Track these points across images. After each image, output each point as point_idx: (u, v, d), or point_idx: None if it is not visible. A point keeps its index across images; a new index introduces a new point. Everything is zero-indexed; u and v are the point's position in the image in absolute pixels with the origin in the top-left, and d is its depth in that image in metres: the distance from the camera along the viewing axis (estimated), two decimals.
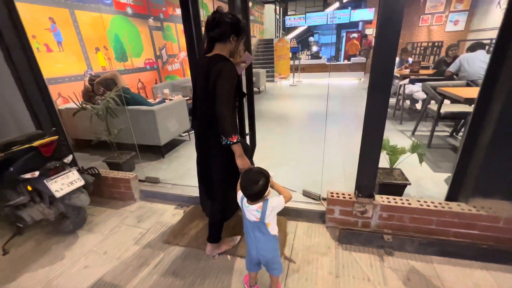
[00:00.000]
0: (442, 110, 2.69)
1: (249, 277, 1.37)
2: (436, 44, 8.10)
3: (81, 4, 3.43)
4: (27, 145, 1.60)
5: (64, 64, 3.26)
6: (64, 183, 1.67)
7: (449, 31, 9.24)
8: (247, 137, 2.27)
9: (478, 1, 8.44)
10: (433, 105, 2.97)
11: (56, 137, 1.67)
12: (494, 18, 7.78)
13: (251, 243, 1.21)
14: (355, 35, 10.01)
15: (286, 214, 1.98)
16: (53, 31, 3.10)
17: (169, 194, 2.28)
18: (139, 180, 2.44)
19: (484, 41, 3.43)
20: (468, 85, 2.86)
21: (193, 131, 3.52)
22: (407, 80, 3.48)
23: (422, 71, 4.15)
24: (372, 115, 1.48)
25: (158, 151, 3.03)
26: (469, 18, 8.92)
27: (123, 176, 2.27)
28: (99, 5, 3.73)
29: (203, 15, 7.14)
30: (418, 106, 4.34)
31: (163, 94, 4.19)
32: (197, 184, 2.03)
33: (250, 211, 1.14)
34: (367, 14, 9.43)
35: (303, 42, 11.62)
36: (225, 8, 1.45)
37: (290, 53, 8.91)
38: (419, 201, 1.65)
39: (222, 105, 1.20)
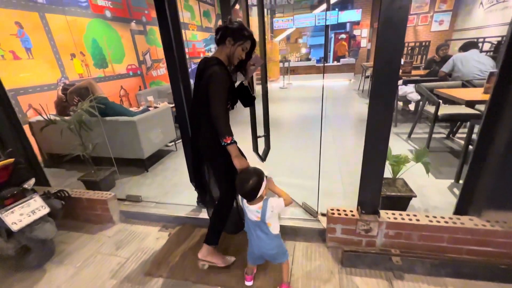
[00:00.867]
0: (439, 112, 2.58)
1: (248, 267, 1.43)
2: (424, 44, 8.17)
3: (53, 7, 3.16)
4: None
5: (35, 73, 2.97)
6: (24, 213, 1.42)
7: (435, 30, 9.38)
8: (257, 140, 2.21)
9: (461, 1, 8.60)
10: (429, 107, 2.87)
11: (11, 160, 1.43)
12: (477, 17, 7.92)
13: (254, 241, 1.27)
14: (343, 36, 10.01)
15: (283, 233, 1.79)
16: (21, 37, 2.82)
17: (153, 214, 2.06)
18: (119, 199, 2.20)
19: (472, 40, 3.38)
20: (463, 85, 2.78)
21: (180, 141, 3.31)
22: (400, 81, 3.39)
23: (413, 72, 4.08)
24: (375, 124, 1.33)
25: (142, 165, 2.79)
26: (453, 18, 9.08)
27: (99, 196, 2.03)
28: (74, 8, 3.46)
29: (189, 18, 6.84)
30: (411, 107, 4.27)
31: (147, 101, 3.95)
32: (183, 202, 1.82)
33: (251, 211, 1.21)
34: (354, 15, 9.44)
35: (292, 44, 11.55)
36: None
37: (280, 55, 8.81)
38: (427, 216, 1.50)
39: (214, 107, 1.27)
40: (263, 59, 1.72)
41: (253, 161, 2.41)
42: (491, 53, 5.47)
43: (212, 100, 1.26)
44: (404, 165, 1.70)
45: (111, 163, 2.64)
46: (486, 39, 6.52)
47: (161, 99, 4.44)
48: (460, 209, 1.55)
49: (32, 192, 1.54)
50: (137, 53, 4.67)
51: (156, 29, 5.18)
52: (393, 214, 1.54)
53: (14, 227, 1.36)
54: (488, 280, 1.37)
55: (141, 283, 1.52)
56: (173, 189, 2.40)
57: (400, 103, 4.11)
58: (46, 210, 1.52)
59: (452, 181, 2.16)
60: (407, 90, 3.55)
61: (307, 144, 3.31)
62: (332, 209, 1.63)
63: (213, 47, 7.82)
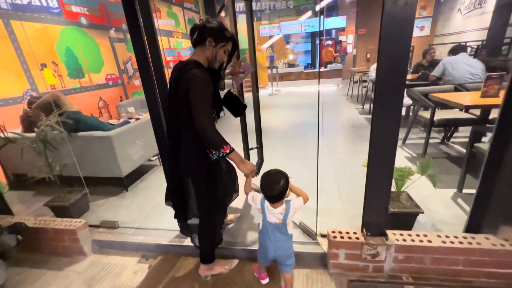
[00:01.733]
0: (434, 118, 2.49)
1: (259, 267, 1.43)
2: None
3: (19, 13, 2.89)
4: None
5: None
6: None
7: (416, 36, 9.63)
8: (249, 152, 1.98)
9: (440, 8, 8.91)
10: (423, 112, 2.79)
11: None
12: (456, 23, 8.19)
13: (270, 243, 1.25)
14: (329, 42, 10.10)
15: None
16: None
17: (131, 243, 1.81)
18: (92, 226, 1.94)
19: (461, 43, 3.38)
20: (456, 89, 2.73)
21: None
22: None
23: None
24: (381, 137, 1.17)
25: (120, 183, 2.53)
26: (433, 24, 9.38)
27: (67, 225, 1.76)
28: (45, 15, 3.20)
29: (173, 26, 6.64)
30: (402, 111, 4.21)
31: (128, 113, 3.69)
32: (166, 226, 1.59)
33: (274, 214, 1.19)
34: (339, 22, 9.57)
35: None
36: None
37: (268, 62, 8.75)
38: (439, 236, 1.34)
39: (200, 117, 1.10)
40: (253, 67, 1.58)
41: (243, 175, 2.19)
42: (472, 57, 5.58)
43: (196, 109, 1.10)
44: (408, 178, 1.55)
45: (87, 183, 2.38)
46: (467, 44, 6.70)
47: (143, 110, 4.18)
48: (473, 225, 1.41)
49: None
50: (117, 61, 4.42)
51: None
52: (402, 235, 1.38)
53: None
54: None
55: None
56: (155, 211, 2.15)
57: None
58: None
59: (455, 190, 2.04)
60: None
61: (300, 154, 3.15)
62: (334, 232, 1.45)
63: None
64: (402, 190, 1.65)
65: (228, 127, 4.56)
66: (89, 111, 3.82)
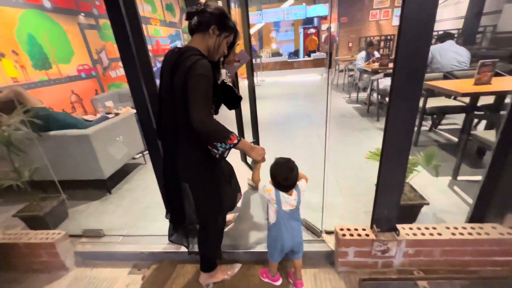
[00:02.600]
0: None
1: (272, 267, 1.37)
2: (389, 37, 8.46)
3: None
4: None
5: None
6: None
7: (396, 25, 9.79)
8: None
9: None
10: None
11: None
12: None
13: (287, 234, 1.21)
14: (313, 30, 10.00)
15: (284, 258, 1.51)
16: None
17: (119, 252, 1.64)
18: (73, 236, 1.74)
19: (448, 31, 3.41)
20: (445, 77, 2.75)
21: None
22: (381, 75, 3.31)
23: (390, 65, 4.06)
24: (396, 130, 1.10)
25: (103, 185, 2.30)
26: None
27: (43, 238, 1.55)
28: None
29: (150, 12, 6.16)
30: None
31: (106, 107, 3.38)
32: (159, 231, 1.43)
33: (289, 202, 1.16)
34: (321, 9, 9.46)
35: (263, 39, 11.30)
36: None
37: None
38: (448, 228, 1.33)
39: (198, 109, 0.96)
40: (249, 55, 1.45)
41: (242, 172, 2.07)
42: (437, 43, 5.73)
43: (194, 99, 0.95)
44: (414, 170, 1.51)
45: (63, 187, 2.14)
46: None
47: (122, 104, 3.87)
48: (476, 215, 1.41)
49: None
50: (89, 51, 4.01)
51: None
52: (411, 229, 1.34)
53: None
54: None
55: None
56: (145, 214, 1.98)
57: (374, 96, 4.06)
58: None
59: (450, 178, 2.06)
60: (387, 84, 3.48)
61: (293, 146, 3.08)
62: (342, 229, 1.39)
63: (179, 43, 7.23)
64: (406, 181, 1.61)
65: (222, 119, 4.38)
66: (60, 107, 3.46)
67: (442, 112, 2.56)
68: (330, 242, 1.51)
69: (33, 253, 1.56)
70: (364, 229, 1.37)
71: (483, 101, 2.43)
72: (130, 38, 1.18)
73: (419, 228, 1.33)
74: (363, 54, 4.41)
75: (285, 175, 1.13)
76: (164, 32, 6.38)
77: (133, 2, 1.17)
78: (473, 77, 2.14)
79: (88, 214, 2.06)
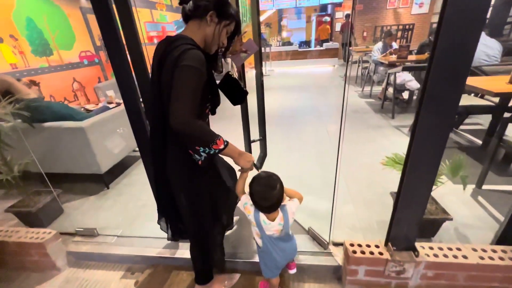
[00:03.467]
0: None
1: (272, 283, 1.22)
2: (407, 27, 7.96)
3: None
4: None
5: None
6: None
7: (415, 13, 9.22)
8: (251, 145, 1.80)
9: None
10: None
11: None
12: None
13: (278, 256, 1.07)
14: (327, 18, 9.51)
15: (286, 270, 1.39)
16: None
17: (113, 254, 1.55)
18: (66, 234, 1.67)
19: None
20: (472, 73, 2.49)
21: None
22: (399, 68, 3.05)
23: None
24: (426, 138, 0.92)
25: (100, 180, 2.22)
26: (432, 1, 8.96)
27: (33, 237, 1.47)
28: None
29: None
30: (405, 95, 4.00)
31: (107, 97, 3.27)
32: (155, 233, 1.34)
33: (272, 227, 1.00)
34: None
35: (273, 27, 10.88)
36: None
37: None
38: (475, 250, 1.16)
39: (181, 108, 0.80)
40: (257, 45, 1.30)
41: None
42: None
43: (177, 94, 0.81)
44: (439, 181, 1.34)
45: (61, 180, 2.07)
46: None
47: None
48: (509, 234, 1.23)
49: None
50: (92, 36, 3.88)
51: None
52: (431, 248, 1.18)
53: None
54: None
55: None
56: (142, 213, 1.89)
57: (390, 90, 3.80)
58: None
59: (473, 186, 1.87)
60: (406, 78, 3.23)
61: (302, 143, 2.91)
62: (352, 245, 1.24)
63: None
64: None
65: (222, 112, 4.21)
66: (62, 95, 3.38)
67: (466, 112, 2.33)
68: (337, 256, 1.38)
69: (24, 252, 1.49)
70: (377, 246, 1.22)
71: None
72: (116, 22, 1.02)
73: (441, 249, 1.18)
74: (379, 45, 4.12)
75: (263, 195, 0.95)
76: (170, 18, 6.16)
77: None
78: (506, 73, 1.90)
79: (84, 210, 1.98)
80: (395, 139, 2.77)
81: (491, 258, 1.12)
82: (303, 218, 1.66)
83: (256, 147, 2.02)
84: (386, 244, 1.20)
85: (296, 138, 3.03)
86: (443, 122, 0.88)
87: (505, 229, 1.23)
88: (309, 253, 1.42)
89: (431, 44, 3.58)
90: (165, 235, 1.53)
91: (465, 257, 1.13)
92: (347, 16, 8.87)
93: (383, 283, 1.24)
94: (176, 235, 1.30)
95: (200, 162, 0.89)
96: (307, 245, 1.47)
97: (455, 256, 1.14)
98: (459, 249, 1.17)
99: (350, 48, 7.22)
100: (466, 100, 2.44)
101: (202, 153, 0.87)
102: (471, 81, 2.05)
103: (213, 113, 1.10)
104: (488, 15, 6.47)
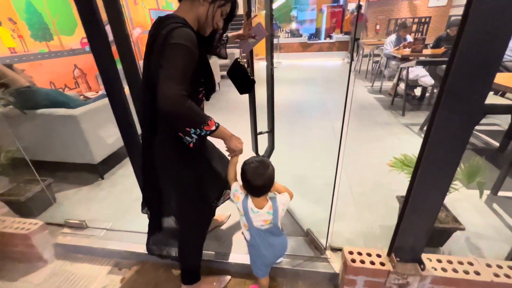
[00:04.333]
0: None
1: (261, 283, 1.16)
2: (423, 20, 7.58)
3: None
4: None
5: None
6: None
7: (432, 6, 8.78)
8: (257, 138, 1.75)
9: None
10: None
11: None
12: None
13: (267, 252, 1.03)
14: (354, 9, 9.04)
15: (280, 275, 1.31)
16: None
17: (100, 248, 1.50)
18: (56, 225, 1.62)
19: None
20: None
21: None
22: (413, 63, 2.86)
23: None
24: (443, 141, 0.80)
25: (95, 170, 2.16)
26: None
27: (18, 228, 1.42)
28: None
29: None
30: (417, 92, 3.79)
31: None
32: (145, 229, 1.28)
33: (261, 215, 0.96)
34: None
35: (282, 17, 10.57)
36: None
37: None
38: (489, 265, 1.04)
39: (171, 86, 0.74)
40: (267, 31, 1.23)
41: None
42: None
43: (168, 74, 0.75)
44: (453, 188, 1.21)
45: (56, 168, 2.03)
46: None
47: (124, 81, 3.67)
48: None
49: None
50: None
51: None
52: (440, 261, 1.07)
53: None
54: None
55: None
56: (134, 206, 1.82)
57: (401, 86, 3.60)
58: None
59: (488, 192, 1.73)
60: (419, 73, 3.04)
61: (306, 139, 2.79)
62: (351, 253, 1.14)
63: None
64: None
65: (224, 103, 4.11)
66: (62, 82, 3.32)
67: (484, 111, 2.15)
68: (335, 262, 1.28)
69: (9, 242, 1.45)
70: (379, 255, 1.12)
71: None
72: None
73: (450, 262, 1.06)
74: (392, 37, 3.89)
75: (256, 170, 0.91)
76: (176, 5, 6.00)
77: None
78: None
79: (77, 200, 1.93)
80: (405, 138, 2.62)
81: (507, 276, 1.00)
82: (303, 219, 1.56)
83: (262, 141, 1.92)
84: (389, 254, 1.10)
85: (299, 135, 2.90)
86: (465, 123, 0.75)
87: None
88: (304, 258, 1.33)
89: (449, 38, 3.34)
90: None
91: (477, 273, 1.02)
92: (359, 7, 8.36)
93: None
94: (155, 231, 1.22)
95: (191, 145, 0.87)
96: (303, 248, 1.38)
97: (466, 272, 1.02)
98: (471, 264, 1.05)
99: (359, 40, 6.93)
100: (490, 99, 2.26)
101: (193, 135, 0.83)
102: (499, 79, 1.87)
103: (208, 98, 1.03)
104: None
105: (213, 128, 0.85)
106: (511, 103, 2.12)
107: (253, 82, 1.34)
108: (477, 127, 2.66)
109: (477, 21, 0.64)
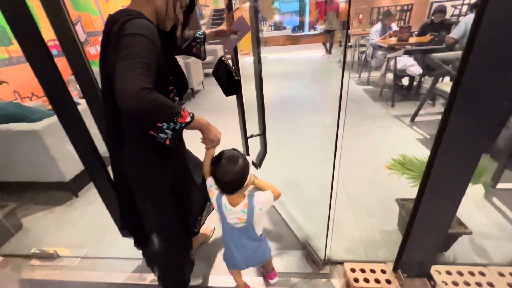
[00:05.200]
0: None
1: (233, 275, 1.12)
2: (405, 7, 7.57)
3: None
4: None
5: None
6: None
7: None
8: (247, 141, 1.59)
9: None
10: (443, 85, 2.32)
11: None
12: None
13: (238, 253, 0.98)
14: None
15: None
16: None
17: (73, 282, 1.32)
18: (22, 257, 1.43)
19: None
20: None
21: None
22: (400, 52, 2.78)
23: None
24: (456, 147, 0.69)
25: (67, 188, 1.96)
26: None
27: None
28: None
29: None
30: (404, 81, 3.74)
31: (78, 90, 2.94)
32: (125, 252, 1.14)
33: (234, 213, 0.89)
34: None
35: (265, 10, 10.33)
36: None
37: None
38: (501, 274, 0.96)
39: (131, 80, 0.61)
40: (249, 26, 1.09)
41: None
42: (467, 13, 4.95)
43: (124, 66, 0.63)
44: None
45: (23, 189, 1.82)
46: (471, 2, 6.09)
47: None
48: None
49: None
50: None
51: None
52: (449, 273, 0.98)
53: None
54: None
55: None
56: (112, 226, 1.64)
57: (388, 76, 3.53)
58: None
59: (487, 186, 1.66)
60: (407, 63, 2.96)
61: (295, 137, 2.67)
62: (354, 270, 1.03)
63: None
64: None
65: (209, 103, 3.92)
66: (28, 90, 3.03)
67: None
68: (334, 278, 1.17)
69: None
70: (383, 271, 1.01)
71: None
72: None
73: (461, 274, 0.97)
74: (378, 26, 3.80)
75: (224, 168, 0.85)
76: None
77: None
78: None
79: (47, 223, 1.73)
80: (397, 131, 2.55)
81: None
82: (299, 228, 1.45)
83: (253, 144, 1.77)
84: (395, 270, 0.99)
85: (289, 133, 2.78)
86: (483, 128, 0.64)
87: None
88: (302, 275, 1.21)
89: (434, 25, 3.28)
90: (136, 255, 1.31)
91: (490, 285, 0.93)
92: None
93: None
94: (140, 243, 1.10)
95: (167, 142, 0.73)
96: (300, 264, 1.26)
97: (478, 284, 0.94)
98: (482, 274, 0.97)
99: (349, 30, 6.82)
100: None
101: (166, 130, 0.71)
102: None
103: (181, 98, 0.91)
104: None
105: (188, 119, 0.74)
106: None
107: (238, 82, 1.22)
108: None
109: (498, 14, 0.52)
